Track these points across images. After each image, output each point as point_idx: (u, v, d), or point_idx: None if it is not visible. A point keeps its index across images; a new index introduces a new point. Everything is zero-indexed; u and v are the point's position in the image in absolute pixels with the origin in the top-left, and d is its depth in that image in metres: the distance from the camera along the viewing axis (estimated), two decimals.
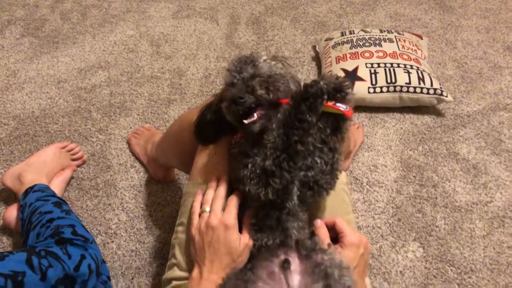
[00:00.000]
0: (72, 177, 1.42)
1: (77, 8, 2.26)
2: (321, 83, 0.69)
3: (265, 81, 0.76)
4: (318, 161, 0.74)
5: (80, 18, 2.19)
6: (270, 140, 0.72)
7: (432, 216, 1.35)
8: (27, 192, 1.22)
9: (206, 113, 0.86)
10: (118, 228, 1.30)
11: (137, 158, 1.49)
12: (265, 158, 0.72)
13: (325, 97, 0.70)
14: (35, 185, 1.24)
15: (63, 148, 1.44)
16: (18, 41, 2.02)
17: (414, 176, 1.46)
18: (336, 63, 1.73)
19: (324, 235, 0.80)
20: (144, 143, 1.45)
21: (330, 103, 0.71)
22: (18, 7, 2.26)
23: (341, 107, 0.71)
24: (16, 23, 2.14)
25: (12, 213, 1.27)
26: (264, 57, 0.82)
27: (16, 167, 1.33)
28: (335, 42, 1.83)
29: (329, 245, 0.78)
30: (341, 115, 0.73)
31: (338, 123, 0.74)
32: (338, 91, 0.72)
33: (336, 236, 0.82)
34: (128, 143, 1.53)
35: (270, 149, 0.72)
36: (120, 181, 1.43)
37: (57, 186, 1.32)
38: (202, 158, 0.89)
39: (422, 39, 1.91)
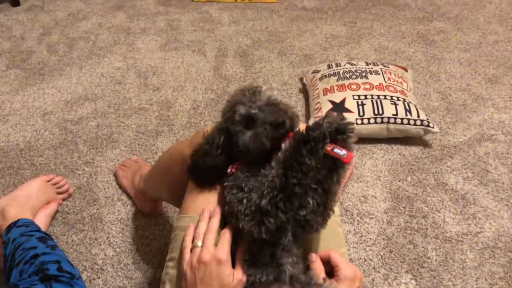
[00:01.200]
0: (57, 211, 1.39)
1: (64, 40, 2.27)
2: (324, 126, 0.68)
3: (286, 107, 0.78)
4: (311, 201, 0.73)
5: (67, 50, 2.18)
6: (269, 178, 0.72)
7: (423, 247, 1.34)
8: (10, 227, 1.18)
9: (201, 158, 0.84)
10: (105, 263, 1.27)
11: (124, 191, 1.46)
12: (262, 196, 0.71)
13: (327, 141, 0.69)
14: (19, 220, 1.21)
15: (48, 181, 1.41)
16: (4, 73, 2.00)
17: (404, 207, 1.46)
18: (324, 95, 1.75)
19: (319, 269, 0.78)
20: (131, 175, 1.43)
21: (329, 147, 0.69)
22: (4, 39, 2.25)
23: (339, 153, 0.69)
24: (2, 55, 2.13)
25: None
26: (264, 87, 0.82)
27: None
28: (322, 75, 1.86)
29: (324, 279, 0.77)
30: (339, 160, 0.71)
31: (335, 165, 0.72)
32: (340, 133, 0.69)
33: (330, 270, 0.80)
34: (115, 176, 1.51)
35: (267, 187, 0.71)
36: (106, 214, 1.40)
37: (41, 221, 1.29)
38: (193, 191, 0.88)
39: (407, 71, 1.94)
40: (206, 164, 0.83)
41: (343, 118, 0.71)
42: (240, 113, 0.78)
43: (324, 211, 0.75)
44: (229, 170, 0.81)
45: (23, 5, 2.57)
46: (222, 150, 0.81)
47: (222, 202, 0.84)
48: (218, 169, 0.82)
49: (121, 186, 1.47)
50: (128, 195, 1.45)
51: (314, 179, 0.72)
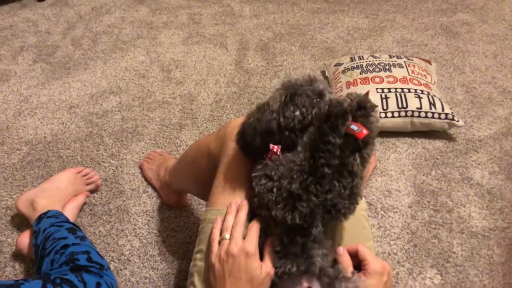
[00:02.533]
0: (85, 203, 1.41)
1: (88, 34, 2.30)
2: (345, 103, 0.68)
3: None
4: (336, 184, 0.72)
5: (91, 45, 2.21)
6: (297, 163, 0.72)
7: (448, 242, 1.33)
8: (40, 218, 1.21)
9: (254, 120, 0.82)
10: (131, 254, 1.29)
11: (149, 183, 1.49)
12: (292, 181, 0.71)
13: (349, 117, 0.68)
14: (49, 211, 1.24)
15: (78, 173, 1.44)
16: (31, 67, 2.04)
17: (428, 201, 1.45)
18: (347, 88, 1.74)
19: (347, 263, 0.79)
20: (156, 168, 1.45)
21: (347, 123, 0.69)
22: (31, 34, 2.29)
23: (354, 128, 0.68)
24: (29, 49, 2.17)
25: (25, 239, 1.25)
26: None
27: (29, 193, 1.33)
28: (344, 68, 1.85)
29: (352, 273, 0.77)
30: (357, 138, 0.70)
31: (358, 146, 0.71)
32: (361, 108, 0.69)
33: (358, 264, 0.81)
34: (141, 168, 1.53)
35: (296, 172, 0.71)
36: (132, 206, 1.42)
37: (70, 212, 1.32)
38: (220, 184, 0.89)
39: (430, 64, 1.92)
40: (258, 127, 0.80)
41: (366, 96, 0.71)
42: (318, 87, 0.79)
43: (350, 195, 0.74)
44: (271, 148, 0.79)
45: (48, 0, 2.60)
46: (277, 115, 0.79)
47: (250, 195, 0.84)
48: (269, 134, 0.79)
49: (146, 179, 1.49)
50: (153, 187, 1.47)
51: (339, 160, 0.70)
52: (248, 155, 0.86)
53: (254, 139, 0.81)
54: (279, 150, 0.80)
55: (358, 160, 0.72)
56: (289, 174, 0.73)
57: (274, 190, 0.74)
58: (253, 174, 0.81)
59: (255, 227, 0.79)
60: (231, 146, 0.92)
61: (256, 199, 0.80)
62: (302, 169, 0.71)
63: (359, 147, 0.72)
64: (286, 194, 0.73)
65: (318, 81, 0.81)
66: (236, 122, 0.96)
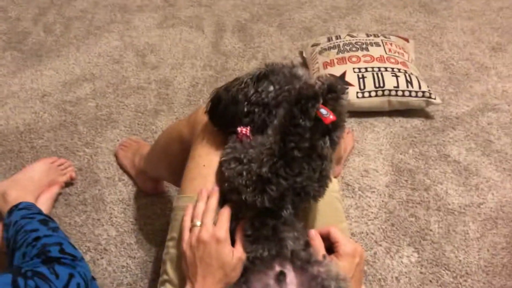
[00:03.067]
0: (59, 193, 1.39)
1: (60, 20, 2.23)
2: (316, 86, 0.67)
3: None
4: (306, 167, 0.71)
5: (63, 30, 2.16)
6: (267, 146, 0.71)
7: (425, 220, 1.34)
8: (11, 210, 1.19)
9: (233, 93, 0.81)
10: (108, 243, 1.28)
11: (125, 171, 1.46)
12: (262, 164, 0.70)
13: (319, 99, 0.67)
14: (20, 203, 1.21)
15: (52, 163, 1.41)
16: (1, 55, 1.98)
17: (405, 180, 1.45)
18: (324, 69, 1.72)
19: (319, 246, 0.78)
20: (132, 155, 1.43)
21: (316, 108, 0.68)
22: (0, 21, 2.22)
23: (322, 112, 0.67)
24: None
25: None
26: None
27: (0, 185, 1.30)
28: (321, 48, 1.83)
29: (324, 256, 0.77)
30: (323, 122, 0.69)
31: (327, 128, 0.71)
32: (331, 91, 0.68)
33: (330, 246, 0.80)
34: (116, 156, 1.50)
35: (266, 155, 0.70)
36: (108, 195, 1.40)
37: (44, 203, 1.29)
38: (191, 171, 0.87)
39: (408, 42, 1.91)
40: (226, 96, 0.81)
41: (337, 78, 0.71)
42: (297, 70, 0.80)
43: (320, 178, 0.73)
44: (239, 130, 0.79)
45: None
46: (246, 87, 0.80)
47: (220, 180, 0.83)
48: (238, 105, 0.80)
49: (121, 166, 1.47)
50: (129, 175, 1.45)
51: (309, 143, 0.69)
52: (216, 126, 0.86)
53: (223, 109, 0.81)
54: (248, 131, 0.79)
55: (328, 143, 0.72)
56: (259, 157, 0.72)
57: (244, 173, 0.73)
58: (222, 158, 0.80)
59: (225, 212, 0.78)
60: (202, 131, 0.90)
61: (226, 184, 0.79)
62: (272, 153, 0.70)
63: (329, 130, 0.71)
64: (256, 178, 0.71)
65: (299, 67, 0.81)
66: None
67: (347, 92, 0.72)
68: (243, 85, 0.80)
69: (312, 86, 0.67)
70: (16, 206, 1.19)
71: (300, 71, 0.81)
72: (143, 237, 1.29)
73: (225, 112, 0.81)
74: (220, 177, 0.83)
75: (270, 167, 0.70)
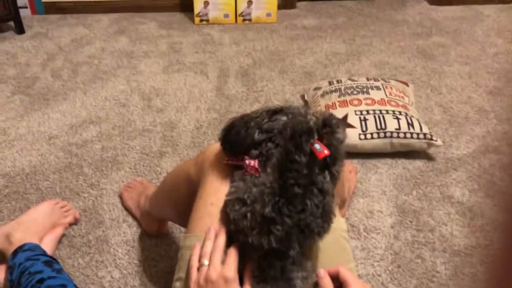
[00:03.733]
0: (63, 235, 1.38)
1: (68, 65, 2.30)
2: (310, 121, 0.68)
3: None
4: (308, 203, 0.71)
5: (71, 75, 2.21)
6: (267, 184, 0.71)
7: (431, 261, 1.33)
8: (16, 252, 1.18)
9: (246, 120, 0.83)
10: (112, 286, 1.26)
11: (129, 212, 1.46)
12: (264, 205, 0.71)
13: (314, 134, 0.68)
14: (25, 244, 1.21)
15: (55, 204, 1.42)
16: (9, 99, 2.03)
17: (410, 221, 1.45)
18: (326, 111, 1.75)
19: (328, 286, 0.78)
20: (137, 196, 1.43)
21: (311, 142, 0.69)
22: (10, 66, 2.28)
23: (316, 147, 0.68)
24: (7, 81, 2.15)
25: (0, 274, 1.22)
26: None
27: (5, 227, 1.30)
28: (323, 91, 1.87)
29: None
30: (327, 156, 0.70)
31: (326, 163, 0.71)
32: (326, 125, 0.69)
33: (339, 286, 0.80)
34: (121, 197, 1.51)
35: (268, 195, 0.71)
36: (112, 236, 1.39)
37: (48, 245, 1.28)
38: (199, 209, 0.88)
39: (408, 85, 1.96)
40: (241, 124, 0.83)
41: (331, 114, 0.72)
42: (308, 112, 0.80)
43: (323, 213, 0.73)
44: (247, 162, 0.80)
45: (27, 33, 2.61)
46: (260, 117, 0.82)
47: (226, 220, 0.84)
48: (249, 130, 0.82)
49: (126, 208, 1.47)
50: (133, 216, 1.45)
51: (308, 179, 0.70)
52: (227, 151, 0.87)
53: (235, 134, 0.82)
54: (256, 164, 0.80)
55: (328, 178, 0.72)
56: (261, 197, 0.72)
57: (248, 215, 0.73)
58: (226, 198, 0.81)
59: (233, 252, 0.78)
60: (210, 169, 0.92)
61: (232, 225, 0.79)
62: (273, 191, 0.70)
63: (328, 165, 0.71)
64: (260, 219, 0.72)
65: (310, 109, 0.83)
66: (214, 147, 0.95)
67: (343, 127, 0.74)
68: (258, 114, 0.83)
69: (307, 122, 0.69)
70: (20, 247, 1.19)
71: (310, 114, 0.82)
72: (147, 279, 1.28)
73: (237, 137, 0.82)
74: (226, 218, 0.83)
75: (273, 207, 0.70)
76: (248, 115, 0.85)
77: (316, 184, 0.70)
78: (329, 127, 0.69)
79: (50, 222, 1.36)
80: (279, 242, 0.72)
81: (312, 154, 0.68)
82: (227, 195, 0.81)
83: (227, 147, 0.86)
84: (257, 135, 0.82)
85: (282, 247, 0.73)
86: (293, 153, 0.67)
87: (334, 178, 0.72)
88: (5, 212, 1.48)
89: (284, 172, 0.69)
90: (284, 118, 0.80)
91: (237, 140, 0.83)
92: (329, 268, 0.81)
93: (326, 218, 0.74)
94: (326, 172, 0.71)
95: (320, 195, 0.71)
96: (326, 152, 0.67)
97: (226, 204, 0.80)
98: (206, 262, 0.78)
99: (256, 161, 0.80)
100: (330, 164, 0.71)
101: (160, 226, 1.37)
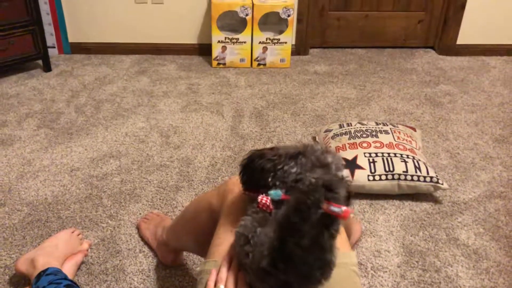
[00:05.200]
0: (82, 262, 1.45)
1: (91, 102, 2.42)
2: (315, 194, 0.68)
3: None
4: (307, 260, 0.73)
5: (93, 111, 2.33)
6: (268, 236, 0.75)
7: None
8: (39, 275, 1.24)
9: (257, 159, 0.87)
10: None
11: (146, 242, 1.53)
12: (262, 257, 0.74)
13: (321, 205, 0.68)
14: (48, 268, 1.27)
15: (72, 232, 1.49)
16: (35, 132, 2.14)
17: (416, 261, 1.49)
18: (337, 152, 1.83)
19: None
20: (154, 227, 1.50)
21: (325, 206, 0.68)
22: (36, 102, 2.41)
23: (336, 211, 0.68)
24: (34, 116, 2.28)
25: None
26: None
27: (29, 253, 1.37)
28: (334, 133, 1.96)
29: None
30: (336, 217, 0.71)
31: (330, 221, 0.71)
32: (329, 190, 0.69)
33: None
34: (138, 228, 1.57)
35: (267, 249, 0.74)
36: (129, 266, 1.45)
37: (68, 270, 1.34)
38: (219, 236, 0.94)
39: (415, 131, 2.03)
40: (256, 163, 0.86)
41: (332, 175, 0.74)
42: (326, 158, 0.82)
43: (322, 267, 0.74)
44: (259, 198, 0.83)
45: (54, 71, 2.76)
46: (277, 159, 0.84)
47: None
48: (263, 173, 0.84)
49: (143, 238, 1.54)
50: (149, 246, 1.51)
51: (309, 241, 0.70)
52: (244, 185, 0.90)
53: (250, 173, 0.87)
54: (268, 201, 0.84)
55: (326, 237, 0.72)
56: (261, 246, 0.76)
57: (250, 256, 0.78)
58: (235, 229, 0.85)
59: (243, 277, 0.84)
60: (231, 199, 0.99)
61: (236, 257, 0.84)
62: (272, 248, 0.73)
63: (327, 224, 0.71)
64: (257, 267, 0.76)
65: (330, 153, 0.84)
66: (236, 178, 1.02)
67: (345, 181, 0.75)
68: (276, 157, 0.86)
69: (309, 192, 0.69)
70: (44, 271, 1.25)
71: (330, 158, 0.83)
72: None
73: (251, 177, 0.88)
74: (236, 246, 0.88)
75: (269, 262, 0.73)
76: (265, 154, 0.87)
77: (318, 243, 0.72)
78: (333, 192, 0.70)
79: (69, 248, 1.43)
80: None
81: (325, 215, 0.69)
82: (237, 226, 0.85)
83: (242, 182, 0.91)
84: (270, 179, 0.85)
85: None
86: (299, 223, 0.69)
87: (333, 237, 0.74)
88: (28, 238, 1.55)
89: (287, 236, 0.71)
90: (294, 169, 0.82)
91: (250, 179, 0.88)
92: None
93: (325, 269, 0.75)
94: (327, 230, 0.72)
95: (320, 252, 0.73)
96: (346, 208, 0.68)
97: (235, 234, 0.85)
98: (221, 287, 0.84)
99: (268, 198, 0.83)
100: (329, 224, 0.71)
101: (176, 257, 1.42)
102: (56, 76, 2.70)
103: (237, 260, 0.85)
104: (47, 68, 2.74)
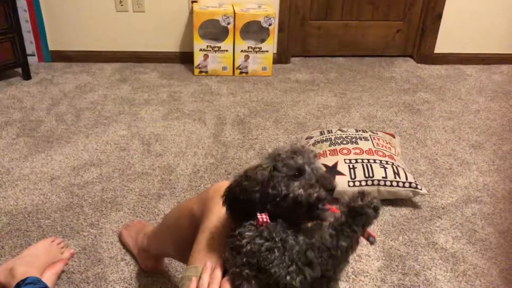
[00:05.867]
0: (63, 271, 1.43)
1: (71, 110, 2.40)
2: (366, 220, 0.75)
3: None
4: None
5: (74, 120, 2.31)
6: (296, 249, 0.78)
7: None
8: (19, 285, 1.23)
9: (238, 189, 0.85)
10: None
11: (127, 249, 1.52)
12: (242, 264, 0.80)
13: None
14: (27, 277, 1.25)
15: (52, 242, 1.48)
16: (14, 141, 2.11)
17: (396, 265, 1.52)
18: (317, 159, 1.85)
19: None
20: (135, 234, 1.49)
21: (364, 234, 0.78)
22: (16, 110, 2.38)
23: (371, 240, 0.78)
24: (13, 124, 2.25)
25: None
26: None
27: (8, 262, 1.35)
28: (315, 140, 1.98)
29: None
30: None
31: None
32: (356, 218, 0.75)
33: None
34: (119, 235, 1.57)
35: (289, 261, 0.77)
36: (110, 274, 1.44)
37: (48, 279, 1.33)
38: (200, 242, 0.95)
39: (394, 137, 2.07)
40: (241, 199, 0.84)
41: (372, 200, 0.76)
42: (297, 162, 0.82)
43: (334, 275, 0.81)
44: (259, 217, 0.82)
45: (34, 79, 2.74)
46: (260, 188, 0.83)
47: (224, 257, 0.89)
48: (251, 205, 0.83)
49: (124, 244, 1.53)
50: (131, 253, 1.50)
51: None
52: (234, 217, 0.89)
53: (239, 205, 0.85)
54: (265, 217, 0.83)
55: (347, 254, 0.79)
56: (285, 255, 0.78)
57: (276, 251, 0.78)
58: (228, 239, 0.86)
59: (227, 282, 0.84)
60: (214, 207, 0.99)
61: (245, 257, 0.81)
62: (303, 261, 0.77)
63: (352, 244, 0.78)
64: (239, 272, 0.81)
65: (300, 153, 0.84)
66: (218, 186, 1.04)
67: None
68: (258, 186, 0.83)
69: (361, 219, 0.75)
70: (23, 280, 1.24)
71: (301, 160, 0.83)
72: None
73: (240, 210, 0.86)
74: (224, 256, 0.88)
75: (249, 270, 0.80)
76: (246, 188, 0.84)
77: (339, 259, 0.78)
78: (358, 218, 0.76)
79: (49, 258, 1.41)
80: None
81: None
82: (228, 237, 0.86)
83: (231, 215, 0.89)
84: (258, 207, 0.84)
85: None
86: (336, 249, 0.76)
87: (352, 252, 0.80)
88: (7, 248, 1.52)
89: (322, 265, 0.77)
90: (275, 192, 0.82)
91: (238, 213, 0.87)
92: None
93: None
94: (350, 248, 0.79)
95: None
96: (374, 234, 0.78)
97: (226, 243, 0.86)
98: None
99: (266, 214, 0.83)
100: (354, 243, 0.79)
101: (157, 263, 1.42)
102: (36, 84, 2.68)
103: (226, 266, 0.86)
104: (26, 76, 2.71)
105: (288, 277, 0.77)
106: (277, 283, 0.78)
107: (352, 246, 0.77)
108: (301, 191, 0.80)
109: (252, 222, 0.84)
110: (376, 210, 0.76)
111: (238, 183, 0.86)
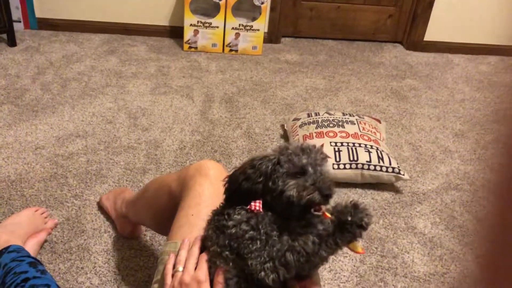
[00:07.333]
0: (45, 241, 1.43)
1: (57, 80, 2.37)
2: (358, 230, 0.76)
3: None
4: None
5: (60, 90, 2.28)
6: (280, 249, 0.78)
7: (393, 285, 1.43)
8: (1, 253, 1.23)
9: (241, 178, 0.84)
10: None
11: (105, 212, 1.53)
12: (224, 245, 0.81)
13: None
14: (10, 245, 1.25)
15: (36, 211, 1.47)
16: None
17: (376, 248, 1.56)
18: (304, 140, 1.87)
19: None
20: (113, 197, 1.51)
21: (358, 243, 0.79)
22: (0, 77, 2.34)
23: (359, 250, 0.81)
24: None
25: None
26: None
27: None
28: (302, 122, 1.99)
29: None
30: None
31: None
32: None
33: None
34: (99, 200, 1.58)
35: (269, 257, 0.78)
36: (93, 245, 1.45)
37: (31, 248, 1.33)
38: (180, 219, 0.97)
39: (380, 123, 2.10)
40: (244, 187, 0.83)
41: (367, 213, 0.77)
42: (301, 161, 0.81)
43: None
44: (252, 203, 0.82)
45: (19, 46, 2.68)
46: (263, 179, 0.82)
47: (204, 235, 0.90)
48: (252, 194, 0.83)
49: (103, 208, 1.54)
50: (108, 216, 1.52)
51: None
52: (230, 201, 0.88)
53: (240, 192, 0.84)
54: (259, 205, 0.83)
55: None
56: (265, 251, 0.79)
57: (258, 243, 0.78)
58: (214, 217, 0.86)
59: (205, 257, 0.86)
60: (193, 185, 1.01)
61: (227, 239, 0.82)
62: (284, 263, 0.77)
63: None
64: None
65: (307, 153, 0.82)
66: (199, 164, 1.05)
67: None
68: (261, 178, 0.83)
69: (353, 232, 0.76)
70: (6, 248, 1.24)
71: (305, 160, 0.82)
72: (125, 287, 1.34)
73: (240, 197, 0.85)
74: (204, 233, 0.88)
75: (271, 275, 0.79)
76: (250, 176, 0.84)
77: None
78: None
79: (32, 227, 1.41)
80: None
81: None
82: (214, 214, 0.86)
83: (227, 200, 0.88)
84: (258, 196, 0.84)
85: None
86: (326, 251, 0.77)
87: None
88: None
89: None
90: (277, 184, 0.82)
91: (238, 199, 0.85)
92: (300, 282, 0.89)
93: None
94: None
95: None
96: (361, 250, 0.81)
97: (209, 221, 0.87)
98: (180, 268, 0.86)
99: (260, 202, 0.83)
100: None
101: (134, 229, 1.46)
102: (22, 52, 2.62)
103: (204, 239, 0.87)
104: (11, 43, 2.65)
105: (262, 273, 0.78)
106: (252, 274, 0.79)
107: (332, 254, 0.78)
108: (294, 191, 0.79)
109: (244, 206, 0.83)
110: (365, 228, 0.76)
111: (243, 170, 0.85)
